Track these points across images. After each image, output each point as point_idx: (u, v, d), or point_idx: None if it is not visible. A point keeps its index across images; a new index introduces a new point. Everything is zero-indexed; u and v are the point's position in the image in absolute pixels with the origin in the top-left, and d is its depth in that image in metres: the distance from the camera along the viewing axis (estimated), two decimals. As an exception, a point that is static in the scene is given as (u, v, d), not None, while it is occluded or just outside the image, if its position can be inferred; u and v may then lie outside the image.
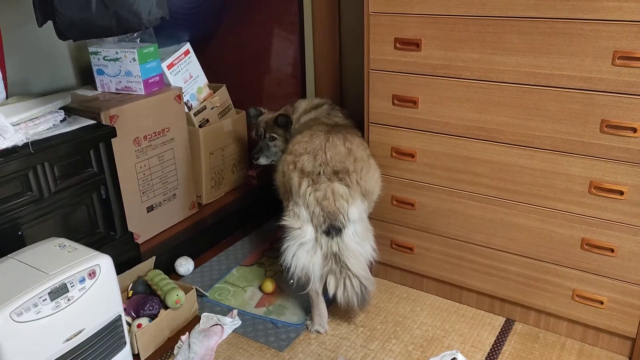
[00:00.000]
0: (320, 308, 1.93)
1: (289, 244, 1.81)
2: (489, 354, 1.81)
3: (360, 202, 1.81)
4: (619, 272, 1.68)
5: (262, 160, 2.26)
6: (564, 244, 1.74)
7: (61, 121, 1.88)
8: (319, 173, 1.79)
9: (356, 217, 1.79)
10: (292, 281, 1.83)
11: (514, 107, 1.68)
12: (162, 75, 2.30)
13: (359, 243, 1.82)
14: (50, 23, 1.54)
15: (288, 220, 1.82)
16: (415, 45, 1.78)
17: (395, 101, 1.89)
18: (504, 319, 1.97)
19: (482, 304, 2.02)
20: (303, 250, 1.80)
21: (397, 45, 1.81)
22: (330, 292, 1.83)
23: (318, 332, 1.94)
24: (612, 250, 1.67)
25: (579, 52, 1.53)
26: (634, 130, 1.52)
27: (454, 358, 1.78)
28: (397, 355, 1.82)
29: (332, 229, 1.76)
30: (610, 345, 1.81)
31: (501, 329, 1.93)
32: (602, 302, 1.74)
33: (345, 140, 1.88)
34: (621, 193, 1.60)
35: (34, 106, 1.83)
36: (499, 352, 1.82)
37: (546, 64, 1.59)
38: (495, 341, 1.87)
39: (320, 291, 1.90)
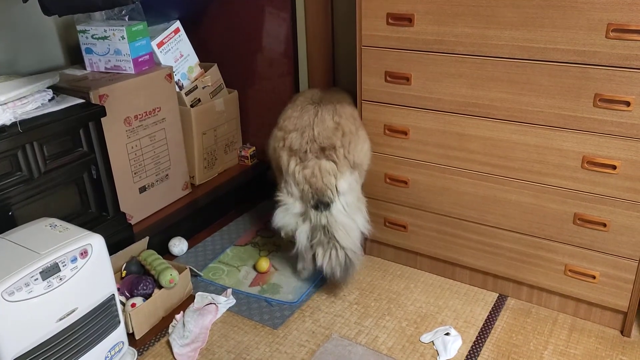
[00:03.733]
0: (306, 257, 2.02)
1: (279, 211, 1.90)
2: (481, 329, 1.83)
3: (349, 175, 1.84)
4: (611, 246, 1.69)
5: None
6: (556, 219, 1.75)
7: (49, 100, 1.86)
8: (306, 151, 1.82)
9: (346, 188, 1.82)
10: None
11: (507, 82, 1.67)
12: (152, 54, 2.27)
13: (349, 215, 1.84)
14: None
15: (281, 197, 1.89)
16: (407, 20, 1.76)
17: (388, 78, 1.87)
18: (497, 294, 1.99)
19: (475, 280, 2.03)
20: (290, 215, 1.88)
21: (390, 20, 1.79)
22: (318, 262, 1.88)
23: (301, 272, 2.06)
24: (605, 225, 1.67)
25: (572, 25, 1.52)
26: (627, 104, 1.52)
27: (447, 333, 1.79)
28: (391, 331, 1.84)
29: (321, 204, 1.79)
30: (602, 319, 1.83)
31: (494, 304, 1.94)
32: (594, 277, 1.75)
33: (334, 114, 1.89)
34: (614, 167, 1.60)
35: (22, 85, 1.80)
36: (492, 327, 1.83)
37: (540, 38, 1.57)
38: (488, 316, 1.88)
39: (307, 256, 1.99)
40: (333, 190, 1.79)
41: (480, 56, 1.68)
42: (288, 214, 1.88)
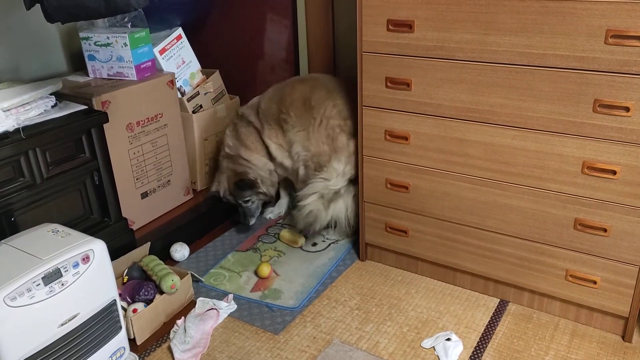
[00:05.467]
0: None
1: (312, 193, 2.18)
2: (483, 334, 1.83)
3: None
4: (612, 251, 1.69)
5: (253, 220, 2.42)
6: (557, 224, 1.75)
7: (52, 107, 1.87)
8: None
9: None
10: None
11: (507, 88, 1.68)
12: (154, 60, 2.28)
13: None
14: (38, 6, 1.52)
15: (333, 167, 2.19)
16: (408, 26, 1.77)
17: (389, 84, 1.88)
18: (498, 299, 1.99)
19: (476, 285, 2.03)
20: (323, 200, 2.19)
21: (390, 27, 1.80)
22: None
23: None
24: (605, 230, 1.67)
25: (571, 31, 1.52)
26: (627, 109, 1.52)
27: (449, 339, 1.79)
28: (392, 336, 1.84)
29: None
30: (604, 324, 1.82)
31: (495, 309, 1.94)
32: (595, 282, 1.75)
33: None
34: (614, 173, 1.60)
35: (25, 92, 1.81)
36: (493, 333, 1.83)
37: (539, 44, 1.58)
38: (489, 322, 1.88)
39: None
40: None
41: (480, 62, 1.69)
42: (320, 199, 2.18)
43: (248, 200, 2.34)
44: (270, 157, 2.37)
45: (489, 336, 1.82)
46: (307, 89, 2.27)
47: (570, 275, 1.78)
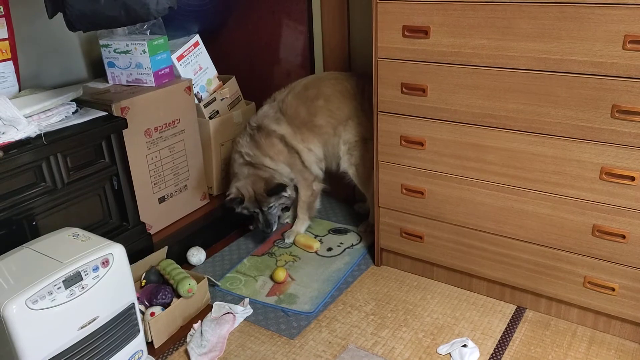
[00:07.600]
0: None
1: None
2: (499, 341, 1.82)
3: None
4: (631, 258, 1.67)
5: (275, 227, 2.37)
6: (575, 230, 1.73)
7: (73, 113, 1.90)
8: None
9: None
10: None
11: (524, 94, 1.67)
12: (172, 67, 2.31)
13: None
14: (60, 15, 1.56)
15: None
16: (423, 32, 1.77)
17: (404, 89, 1.88)
18: (515, 306, 1.97)
19: (492, 291, 2.02)
20: None
21: (406, 33, 1.80)
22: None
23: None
24: (624, 237, 1.65)
25: (589, 36, 1.51)
26: (646, 115, 1.51)
27: (465, 345, 1.78)
28: (407, 342, 1.83)
29: None
30: (622, 332, 1.80)
31: (512, 316, 1.92)
32: (613, 289, 1.73)
33: None
34: (632, 179, 1.59)
35: (46, 98, 1.85)
36: (510, 340, 1.82)
37: (556, 49, 1.57)
38: (506, 329, 1.87)
39: None
40: None
41: (497, 68, 1.69)
42: None
43: (272, 206, 2.31)
44: (302, 163, 2.37)
45: (505, 343, 1.81)
46: (335, 84, 2.33)
47: (589, 282, 1.77)
